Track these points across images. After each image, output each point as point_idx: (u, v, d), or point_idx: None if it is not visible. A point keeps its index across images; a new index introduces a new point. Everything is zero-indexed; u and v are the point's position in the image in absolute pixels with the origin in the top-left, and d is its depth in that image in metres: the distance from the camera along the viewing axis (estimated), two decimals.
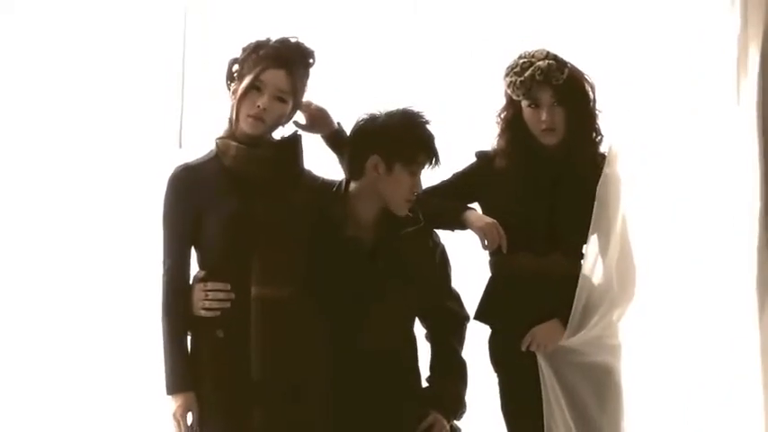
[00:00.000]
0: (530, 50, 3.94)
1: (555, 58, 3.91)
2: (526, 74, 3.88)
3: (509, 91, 3.95)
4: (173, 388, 3.59)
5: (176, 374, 3.59)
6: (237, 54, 3.67)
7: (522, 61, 3.92)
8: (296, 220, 3.66)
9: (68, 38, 4.56)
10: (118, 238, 4.62)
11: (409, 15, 4.68)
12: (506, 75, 3.95)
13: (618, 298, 3.91)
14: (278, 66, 3.59)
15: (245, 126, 3.60)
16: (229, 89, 3.68)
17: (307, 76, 3.68)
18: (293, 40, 3.65)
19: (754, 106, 3.94)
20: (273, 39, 3.64)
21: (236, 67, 3.66)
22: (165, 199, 3.65)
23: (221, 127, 3.71)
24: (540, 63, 3.88)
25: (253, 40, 3.65)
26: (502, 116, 4.03)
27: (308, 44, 3.67)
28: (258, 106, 3.57)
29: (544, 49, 3.94)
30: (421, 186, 3.75)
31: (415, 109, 3.73)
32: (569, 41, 4.04)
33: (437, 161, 3.73)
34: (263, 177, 3.63)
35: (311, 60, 3.67)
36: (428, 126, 3.72)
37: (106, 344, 4.59)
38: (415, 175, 3.71)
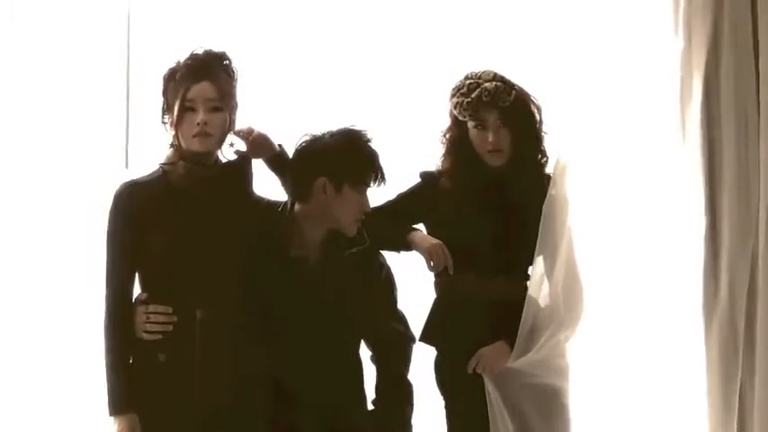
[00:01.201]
0: (476, 71, 3.94)
1: (502, 79, 3.90)
2: (473, 95, 3.87)
3: (455, 111, 3.93)
4: (115, 409, 3.56)
5: (119, 396, 3.56)
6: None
7: (468, 82, 3.91)
8: (240, 240, 3.64)
9: (10, 56, 4.50)
10: (62, 257, 4.54)
11: (352, 33, 4.65)
12: (452, 95, 3.94)
13: (565, 319, 3.89)
14: (198, 79, 3.58)
15: (194, 147, 3.58)
16: (164, 123, 3.67)
17: (230, 76, 3.66)
18: (203, 52, 3.63)
19: (698, 122, 3.95)
20: (182, 59, 3.63)
21: (162, 100, 3.66)
22: (110, 216, 3.63)
23: (167, 145, 3.69)
24: (488, 84, 3.87)
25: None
26: (447, 136, 4.01)
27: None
28: (198, 123, 3.55)
29: (491, 71, 3.93)
30: (369, 204, 3.74)
31: (357, 128, 3.73)
32: (514, 62, 4.03)
33: (383, 179, 3.73)
34: (209, 197, 3.61)
35: (227, 62, 3.66)
36: (371, 144, 3.72)
37: (47, 365, 4.51)
38: (363, 194, 3.72)
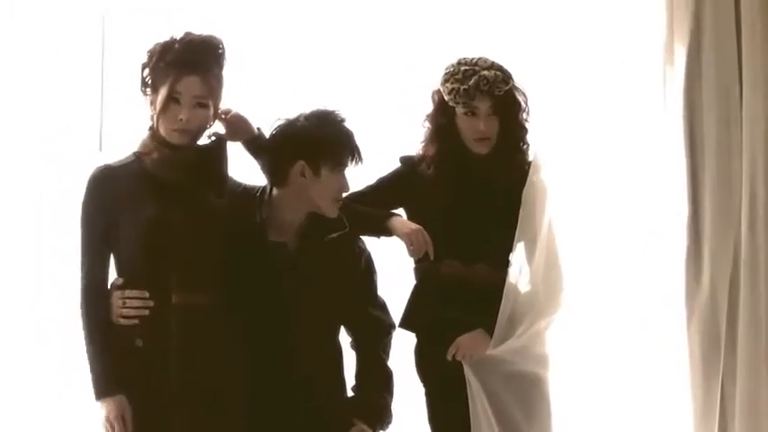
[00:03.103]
0: (470, 57, 3.89)
1: (500, 68, 3.87)
2: (470, 82, 3.82)
3: (447, 97, 3.88)
4: (102, 392, 3.50)
5: (105, 378, 3.50)
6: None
7: (464, 68, 3.86)
8: (217, 225, 3.60)
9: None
10: (37, 242, 4.51)
11: (333, 15, 4.61)
12: (445, 80, 3.88)
13: (545, 307, 3.87)
14: (190, 72, 3.52)
15: (172, 139, 3.54)
16: (144, 95, 3.61)
17: (221, 68, 3.61)
18: (198, 37, 3.58)
19: (680, 110, 3.96)
20: (177, 38, 3.56)
21: (146, 72, 3.59)
22: (84, 200, 3.58)
23: (142, 129, 3.64)
24: (486, 73, 3.83)
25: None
26: (432, 121, 3.97)
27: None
28: (180, 119, 3.51)
29: (487, 58, 3.89)
30: (348, 185, 3.72)
31: (330, 108, 3.71)
32: (495, 48, 3.98)
33: (360, 158, 3.71)
34: (184, 182, 3.57)
35: (221, 51, 3.60)
36: (346, 124, 3.70)
37: (24, 349, 4.48)
38: (341, 174, 3.70)
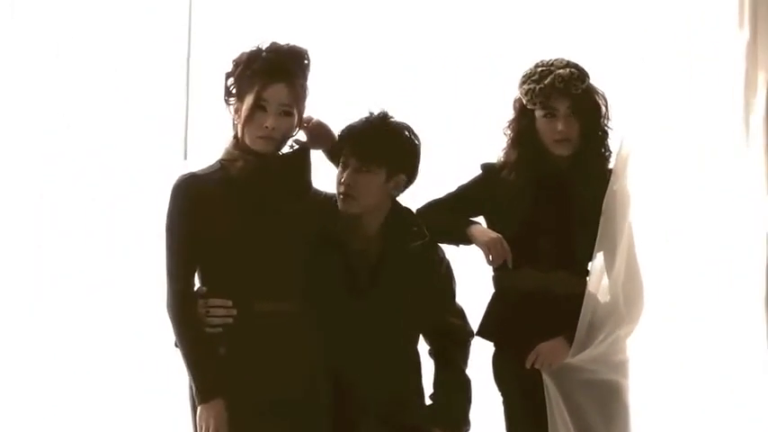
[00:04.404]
0: (547, 59, 3.89)
1: (576, 66, 3.87)
2: (546, 81, 3.83)
3: (525, 99, 3.88)
4: (204, 397, 3.49)
5: (205, 382, 3.49)
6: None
7: (540, 69, 3.87)
8: (299, 233, 3.62)
9: (72, 45, 4.53)
10: (121, 249, 4.59)
11: (414, 23, 4.63)
12: (523, 83, 3.89)
13: (625, 316, 3.85)
14: (277, 79, 3.53)
15: (257, 146, 3.55)
16: (228, 104, 3.63)
17: (305, 78, 3.62)
18: (285, 46, 3.59)
19: (762, 122, 3.92)
20: (264, 47, 3.58)
21: (230, 81, 3.61)
22: (170, 207, 3.57)
23: (226, 138, 3.66)
24: (561, 71, 3.83)
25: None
26: (512, 127, 3.97)
27: (310, 48, 3.62)
28: (266, 127, 3.52)
29: (563, 58, 3.89)
30: (342, 180, 3.66)
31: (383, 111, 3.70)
32: (574, 55, 3.95)
33: (361, 154, 3.65)
34: (269, 190, 3.59)
35: (306, 62, 3.61)
36: (373, 120, 3.68)
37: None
38: (343, 168, 3.67)
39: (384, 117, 3.70)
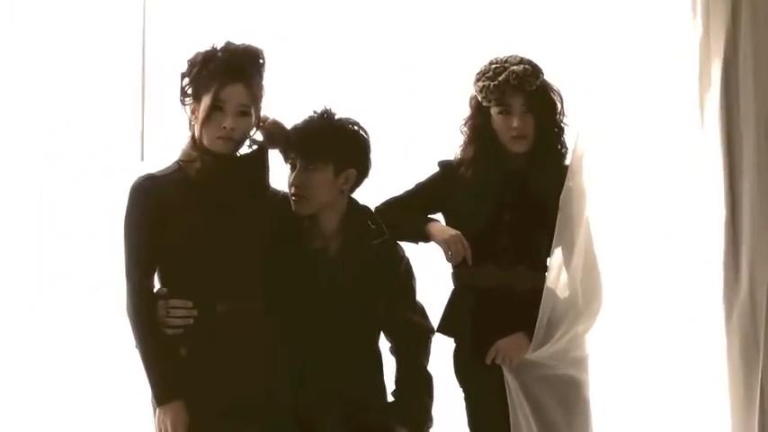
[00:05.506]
0: (501, 56, 3.90)
1: (530, 63, 3.88)
2: (500, 78, 3.84)
3: (480, 96, 3.89)
4: (162, 398, 3.50)
5: (161, 385, 3.50)
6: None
7: (494, 66, 3.87)
8: (258, 233, 3.62)
9: (26, 47, 4.48)
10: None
11: (369, 20, 4.63)
12: (477, 80, 3.90)
13: (583, 311, 3.88)
14: (234, 80, 3.52)
15: (215, 147, 3.54)
16: (183, 104, 3.62)
17: (262, 77, 3.62)
18: (240, 46, 3.59)
19: (716, 114, 3.94)
20: (219, 47, 3.57)
21: (186, 81, 3.60)
22: (128, 209, 3.56)
23: (183, 139, 3.65)
24: (515, 68, 3.84)
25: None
26: (469, 124, 3.98)
27: (267, 46, 3.62)
28: (224, 127, 3.52)
29: (517, 55, 3.90)
30: (292, 181, 3.69)
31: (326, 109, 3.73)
32: (527, 51, 3.96)
33: (299, 154, 3.68)
34: (227, 190, 3.58)
35: (262, 61, 3.61)
36: (316, 119, 3.71)
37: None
38: (293, 170, 3.70)
39: (327, 114, 3.72)
